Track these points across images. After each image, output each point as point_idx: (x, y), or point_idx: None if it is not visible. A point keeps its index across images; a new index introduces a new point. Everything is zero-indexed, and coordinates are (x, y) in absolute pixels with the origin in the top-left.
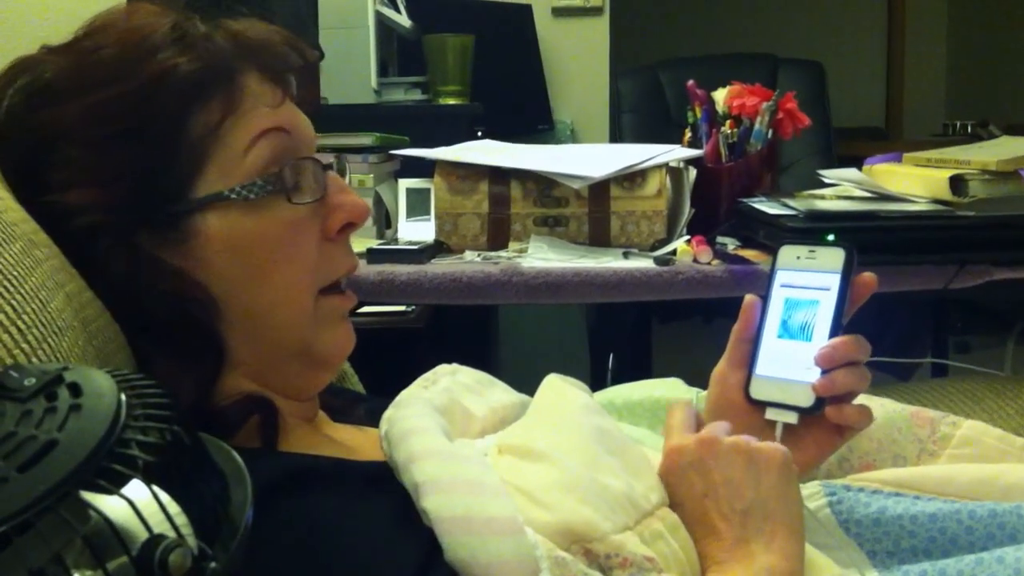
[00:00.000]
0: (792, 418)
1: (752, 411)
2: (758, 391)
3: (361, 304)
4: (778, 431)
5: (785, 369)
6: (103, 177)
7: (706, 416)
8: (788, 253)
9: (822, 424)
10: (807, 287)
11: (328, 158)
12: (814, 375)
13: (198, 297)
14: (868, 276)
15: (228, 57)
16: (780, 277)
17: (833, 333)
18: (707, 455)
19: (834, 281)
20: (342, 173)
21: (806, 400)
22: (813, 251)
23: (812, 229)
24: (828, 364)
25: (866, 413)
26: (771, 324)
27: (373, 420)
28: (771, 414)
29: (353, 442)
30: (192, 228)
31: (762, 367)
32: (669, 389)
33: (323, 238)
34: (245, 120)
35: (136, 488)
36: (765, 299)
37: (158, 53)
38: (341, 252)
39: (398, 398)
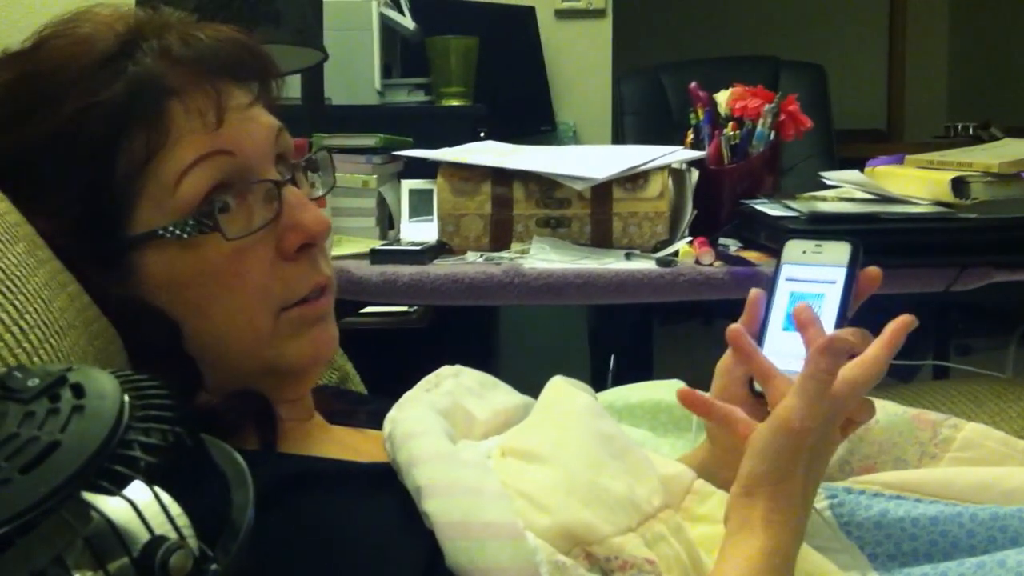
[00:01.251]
0: None
1: (756, 403)
2: None
3: (364, 304)
4: None
5: (789, 362)
6: (52, 208)
7: None
8: (794, 247)
9: None
10: (812, 281)
11: (287, 168)
12: None
13: (156, 322)
14: (874, 270)
15: (158, 79)
16: (786, 271)
17: (837, 326)
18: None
19: (839, 275)
20: (323, 168)
21: None
22: (819, 245)
23: (814, 231)
24: None
25: (868, 407)
26: (776, 317)
27: (375, 422)
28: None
29: (354, 444)
30: (132, 264)
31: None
32: (670, 391)
33: (281, 258)
34: (176, 150)
35: (138, 489)
36: (770, 293)
37: (87, 80)
38: (303, 271)
39: (401, 400)
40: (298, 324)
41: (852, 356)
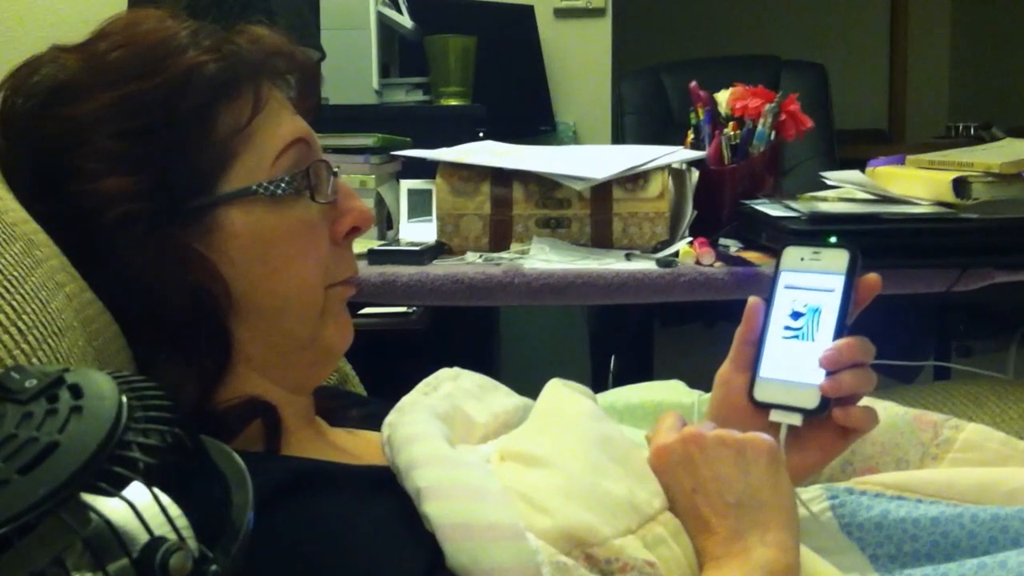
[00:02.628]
0: (796, 420)
1: (756, 414)
2: (762, 393)
3: (363, 305)
4: (782, 433)
5: (790, 371)
6: (135, 167)
7: (709, 419)
8: (792, 254)
9: (827, 427)
10: (811, 289)
11: (333, 164)
12: (819, 377)
13: (216, 291)
14: (873, 277)
15: (251, 60)
16: (784, 279)
17: (838, 335)
18: (693, 450)
19: (838, 283)
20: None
21: (811, 402)
22: (817, 252)
23: (814, 231)
24: (833, 366)
25: (872, 415)
26: (775, 326)
27: (373, 424)
28: (775, 416)
29: (354, 448)
30: (217, 221)
31: (766, 369)
32: (670, 392)
33: (331, 241)
34: (274, 124)
35: (137, 490)
36: (769, 301)
37: (184, 52)
38: (345, 256)
39: (400, 404)
40: (340, 303)
41: (856, 366)
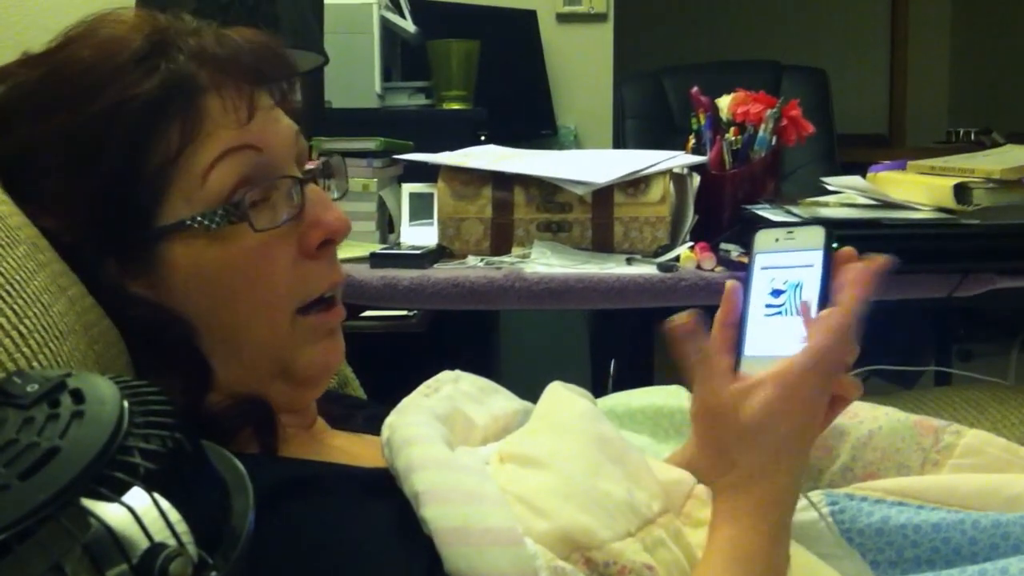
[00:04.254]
0: None
1: None
2: (749, 371)
3: (363, 308)
4: None
5: (775, 346)
6: (68, 204)
7: (695, 404)
8: (765, 237)
9: None
10: (790, 266)
11: (313, 163)
12: None
13: (170, 321)
14: (848, 250)
15: (192, 77)
16: (759, 260)
17: (821, 305)
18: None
19: (817, 258)
20: (336, 174)
21: None
22: (791, 232)
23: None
24: None
25: (857, 383)
26: (756, 306)
27: (373, 427)
28: None
29: (353, 449)
30: (158, 256)
31: (751, 348)
32: (671, 397)
33: (301, 256)
34: (207, 143)
35: (137, 496)
36: (746, 285)
37: (121, 76)
38: (322, 268)
39: (400, 405)
40: (314, 331)
41: None
